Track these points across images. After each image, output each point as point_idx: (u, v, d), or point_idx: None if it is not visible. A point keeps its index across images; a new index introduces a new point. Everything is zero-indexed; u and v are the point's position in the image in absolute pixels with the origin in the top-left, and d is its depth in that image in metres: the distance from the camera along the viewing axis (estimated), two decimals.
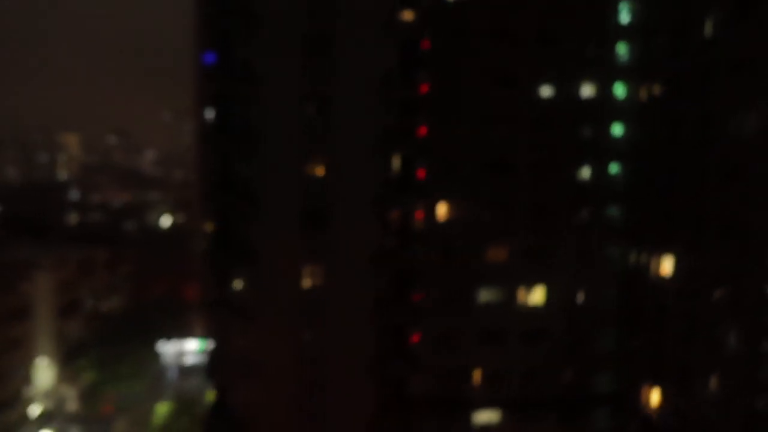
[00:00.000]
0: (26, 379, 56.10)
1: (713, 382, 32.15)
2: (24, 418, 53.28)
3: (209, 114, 31.86)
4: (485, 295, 38.80)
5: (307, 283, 31.68)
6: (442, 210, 38.15)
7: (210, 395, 36.06)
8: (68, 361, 59.47)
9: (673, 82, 36.42)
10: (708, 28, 33.69)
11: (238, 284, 31.43)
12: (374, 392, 32.07)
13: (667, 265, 36.42)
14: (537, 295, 39.32)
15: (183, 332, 69.44)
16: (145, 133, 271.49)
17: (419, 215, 35.36)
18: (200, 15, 31.82)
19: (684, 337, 34.36)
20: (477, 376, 38.93)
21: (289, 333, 31.33)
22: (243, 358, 31.28)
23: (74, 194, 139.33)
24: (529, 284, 39.02)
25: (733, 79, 31.62)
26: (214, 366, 31.58)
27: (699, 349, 33.18)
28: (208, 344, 32.84)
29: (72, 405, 58.31)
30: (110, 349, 59.70)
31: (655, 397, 37.14)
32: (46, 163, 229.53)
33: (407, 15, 32.04)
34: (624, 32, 38.50)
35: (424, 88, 32.99)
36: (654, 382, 37.17)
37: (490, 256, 38.50)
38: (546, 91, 38.19)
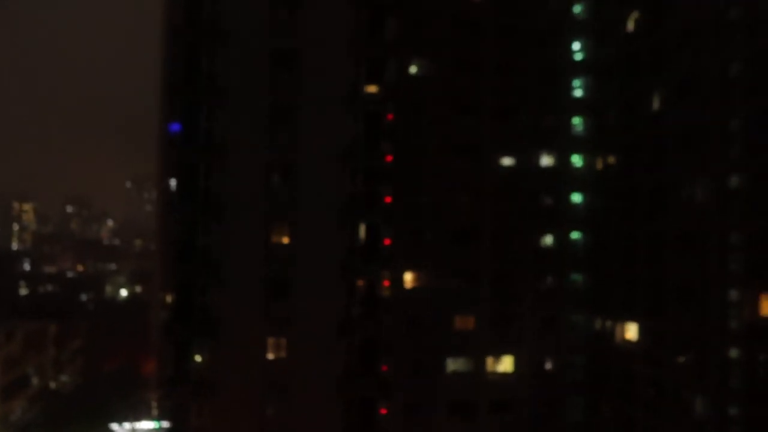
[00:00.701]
0: None
1: None
2: None
3: (172, 182, 31.51)
4: (453, 365, 38.16)
5: (270, 355, 30.66)
6: (407, 278, 37.98)
7: None
8: None
9: (626, 153, 38.02)
10: (656, 104, 35.63)
11: (197, 358, 30.17)
12: None
13: (631, 331, 36.72)
14: (504, 364, 38.91)
15: (137, 411, 65.78)
16: (105, 201, 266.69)
17: (385, 283, 35.04)
18: (165, 84, 31.99)
19: (651, 404, 34.23)
20: None
21: (251, 408, 29.96)
22: None
23: (26, 265, 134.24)
24: (497, 353, 38.67)
25: (682, 149, 33.20)
26: None
27: (666, 415, 33.03)
28: (164, 424, 31.03)
29: None
30: (57, 430, 55.95)
31: None
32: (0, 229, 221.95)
33: (371, 88, 32.92)
34: (578, 106, 40.40)
35: (388, 158, 33.51)
36: None
37: (456, 325, 38.18)
38: (506, 160, 39.32)
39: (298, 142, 31.50)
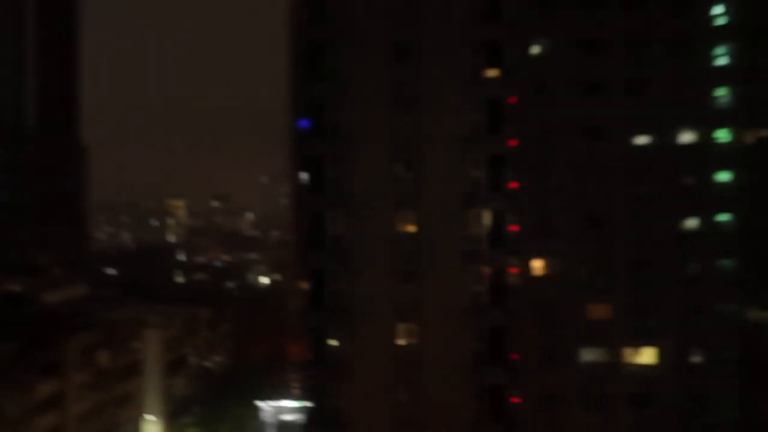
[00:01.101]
0: (135, 427, 58.61)
1: None
2: None
3: (303, 176, 33.17)
4: (587, 355, 36.67)
5: (401, 341, 31.41)
6: (536, 265, 37.00)
7: None
8: (174, 417, 61.75)
9: None
10: None
11: (333, 342, 31.67)
12: None
13: None
14: (645, 355, 36.68)
15: (281, 390, 70.46)
16: (245, 196, 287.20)
17: (512, 271, 34.43)
18: (292, 82, 33.70)
19: None
20: None
21: (384, 392, 30.95)
22: (339, 417, 31.14)
23: (180, 256, 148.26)
24: (635, 343, 36.55)
25: None
26: (311, 426, 31.63)
27: None
28: (305, 403, 33.01)
29: None
30: (212, 406, 61.47)
31: None
32: (157, 227, 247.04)
33: (491, 72, 32.32)
34: (722, 76, 36.72)
35: (512, 142, 32.77)
36: None
37: (591, 314, 36.61)
38: (641, 139, 36.83)
39: (421, 131, 31.75)
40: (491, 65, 31.92)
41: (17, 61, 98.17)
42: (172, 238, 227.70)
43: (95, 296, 72.22)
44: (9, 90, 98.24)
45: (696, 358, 36.59)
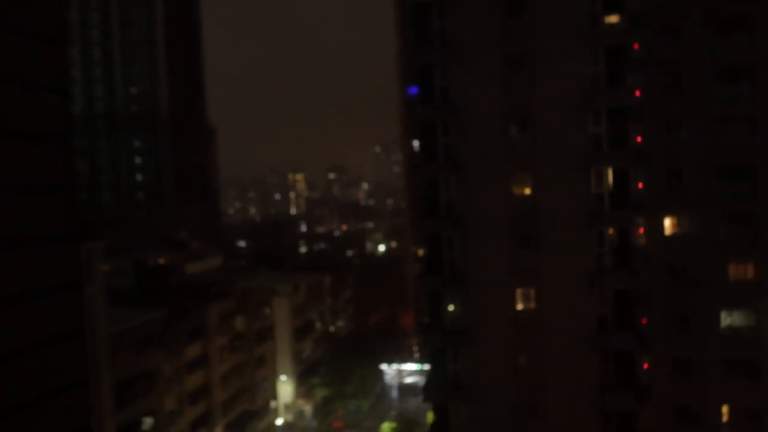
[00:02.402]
0: (271, 393, 63.13)
1: None
2: (271, 427, 59.88)
3: (415, 143, 33.16)
4: (728, 319, 33.98)
5: (519, 305, 30.85)
6: (666, 224, 34.59)
7: (429, 416, 36.83)
8: (303, 378, 65.68)
9: None
10: None
11: (450, 307, 31.80)
12: (596, 424, 29.76)
13: None
14: None
15: (402, 354, 72.38)
16: (360, 167, 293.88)
17: (640, 231, 32.46)
18: (400, 49, 33.51)
19: None
20: (723, 413, 34.04)
21: (503, 356, 30.69)
22: (458, 380, 31.40)
23: (302, 227, 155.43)
24: None
25: None
26: (431, 388, 32.16)
27: None
28: (425, 366, 33.63)
29: (308, 419, 64.09)
30: (338, 368, 64.55)
31: None
32: (280, 200, 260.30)
33: (611, 18, 30.03)
34: None
35: (636, 93, 30.47)
36: None
37: (731, 274, 33.74)
38: None
39: (535, 89, 30.39)
40: (611, 10, 29.67)
41: (151, 55, 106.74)
42: (294, 211, 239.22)
43: (229, 267, 77.90)
44: (145, 82, 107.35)
45: None
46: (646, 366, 32.71)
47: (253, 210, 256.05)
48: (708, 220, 33.89)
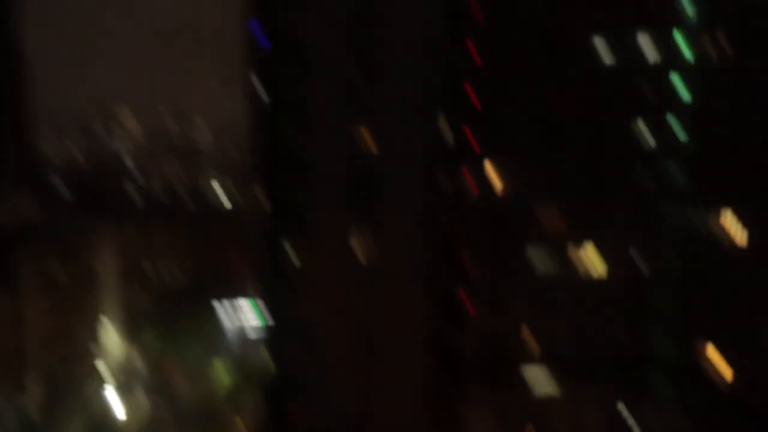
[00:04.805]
0: (93, 338, 59.22)
1: None
2: (94, 372, 56.45)
3: (257, 84, 32.04)
4: (539, 262, 38.30)
5: (358, 251, 31.95)
6: (491, 172, 37.58)
7: (267, 357, 37.28)
8: (131, 322, 62.43)
9: (743, 39, 34.30)
10: None
11: (291, 254, 31.97)
12: (424, 355, 32.40)
13: (735, 225, 34.88)
14: (591, 258, 38.60)
15: (240, 297, 71.67)
16: (196, 103, 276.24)
17: (468, 177, 34.94)
18: None
19: (749, 298, 33.14)
20: (528, 337, 38.77)
21: (340, 300, 31.80)
22: (297, 324, 32.03)
23: (131, 165, 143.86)
24: (582, 246, 38.30)
25: None
26: (270, 332, 32.48)
27: (765, 308, 31.99)
28: (263, 311, 33.74)
29: (137, 364, 61.44)
30: (170, 312, 62.29)
31: (716, 358, 36.19)
32: (104, 135, 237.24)
33: None
34: None
35: (472, 49, 32.21)
36: (716, 343, 36.14)
37: (542, 219, 37.85)
38: (599, 43, 36.75)
39: (381, 41, 30.75)
40: None
41: None
42: (120, 147, 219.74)
43: (44, 208, 70.14)
44: None
45: (638, 260, 38.75)
46: (468, 302, 35.97)
47: (74, 148, 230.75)
48: (526, 169, 37.43)
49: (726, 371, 35.04)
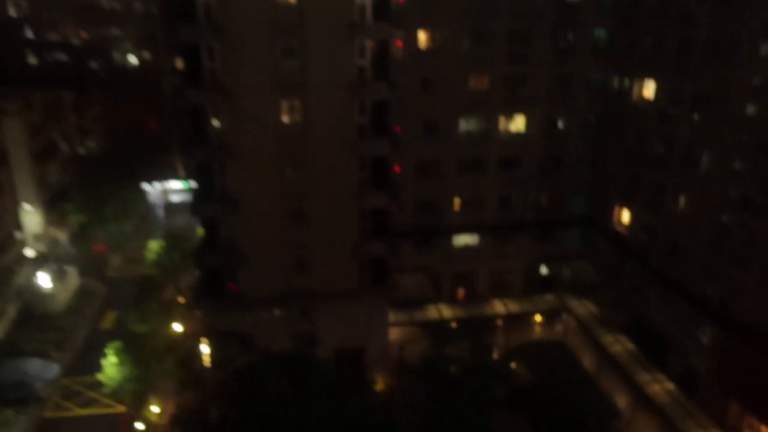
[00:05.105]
0: (15, 223, 56.76)
1: (683, 200, 33.55)
2: (20, 259, 54.85)
3: None
4: (465, 125, 38.68)
5: (285, 117, 30.98)
6: (421, 38, 36.45)
7: (199, 231, 37.00)
8: (53, 205, 59.86)
9: None
10: None
11: (215, 123, 30.63)
12: (357, 223, 33.06)
13: (649, 89, 36.06)
14: (517, 123, 39.32)
15: (165, 172, 69.49)
16: None
17: (397, 43, 33.79)
18: None
19: (660, 160, 35.13)
20: (456, 203, 40.17)
21: (269, 167, 31.31)
22: (226, 193, 31.56)
23: (28, 33, 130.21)
24: (509, 111, 38.82)
25: None
26: (199, 203, 31.90)
27: (673, 170, 34.12)
28: (191, 183, 32.84)
29: (64, 247, 59.88)
30: (93, 191, 59.91)
31: (626, 216, 38.96)
32: None
33: None
34: None
35: None
36: (627, 202, 38.73)
37: (471, 85, 37.71)
38: None
39: None
40: None
41: None
42: (14, 12, 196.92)
43: None
44: None
45: (561, 123, 39.88)
46: (398, 169, 36.35)
47: None
48: (455, 37, 36.51)
49: (629, 224, 37.94)
